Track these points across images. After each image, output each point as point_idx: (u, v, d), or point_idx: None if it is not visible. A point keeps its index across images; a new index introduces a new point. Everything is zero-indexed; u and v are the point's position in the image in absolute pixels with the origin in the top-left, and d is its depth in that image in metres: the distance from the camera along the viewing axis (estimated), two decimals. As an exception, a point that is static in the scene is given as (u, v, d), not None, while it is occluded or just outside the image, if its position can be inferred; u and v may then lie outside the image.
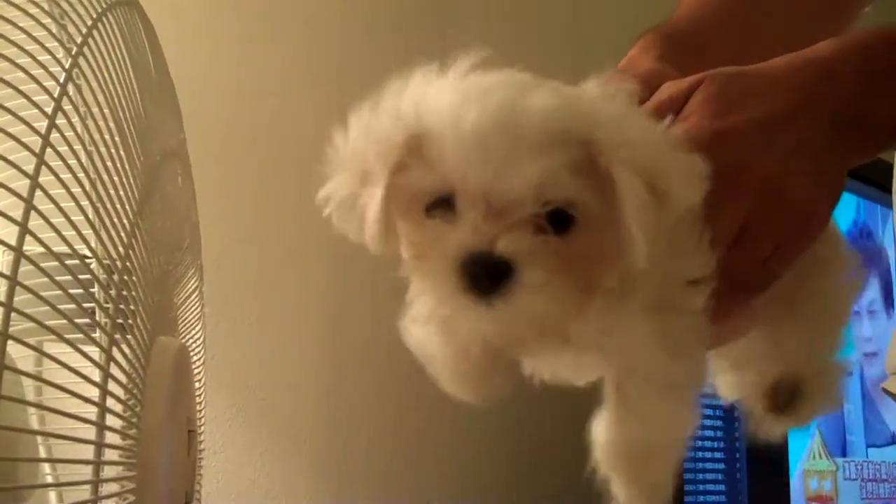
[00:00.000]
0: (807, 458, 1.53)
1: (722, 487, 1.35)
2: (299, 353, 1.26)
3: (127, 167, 0.54)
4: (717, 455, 1.35)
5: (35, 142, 0.46)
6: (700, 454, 1.32)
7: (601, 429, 0.43)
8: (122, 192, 0.54)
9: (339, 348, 1.29)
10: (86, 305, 0.53)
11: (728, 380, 0.54)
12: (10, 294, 0.44)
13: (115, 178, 0.53)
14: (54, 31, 0.52)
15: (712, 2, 0.60)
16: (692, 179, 0.39)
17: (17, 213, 0.46)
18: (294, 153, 1.23)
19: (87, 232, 0.51)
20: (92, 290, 0.54)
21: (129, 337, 0.56)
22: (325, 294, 1.30)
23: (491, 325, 0.40)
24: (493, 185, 0.36)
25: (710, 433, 1.34)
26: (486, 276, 0.36)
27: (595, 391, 0.44)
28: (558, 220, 0.38)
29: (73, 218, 0.49)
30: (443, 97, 0.38)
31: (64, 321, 0.50)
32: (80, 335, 0.54)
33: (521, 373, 0.46)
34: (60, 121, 0.48)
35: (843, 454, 1.60)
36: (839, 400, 0.54)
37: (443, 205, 0.38)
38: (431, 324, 0.42)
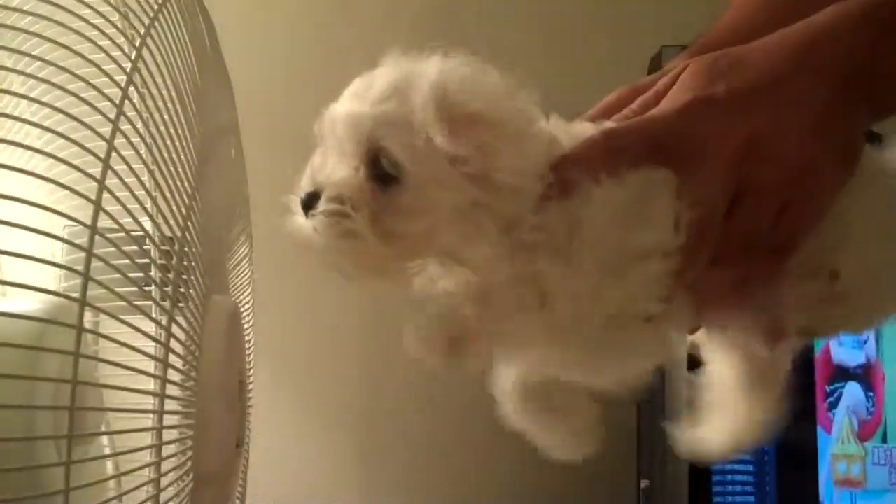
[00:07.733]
0: (836, 441, 1.55)
1: (749, 468, 1.37)
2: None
3: (188, 136, 0.60)
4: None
5: (105, 130, 0.51)
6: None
7: None
8: (183, 158, 0.59)
9: (380, 338, 1.33)
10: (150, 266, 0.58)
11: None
12: (87, 264, 0.49)
13: (178, 143, 0.58)
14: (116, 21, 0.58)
15: (754, 8, 0.57)
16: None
17: (84, 191, 0.50)
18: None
19: (149, 204, 0.56)
20: (156, 250, 0.60)
21: (189, 292, 0.62)
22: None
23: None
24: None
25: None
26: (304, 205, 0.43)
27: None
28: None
29: (135, 191, 0.54)
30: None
31: (133, 288, 0.56)
32: (147, 301, 0.59)
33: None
34: (128, 112, 0.52)
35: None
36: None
37: None
38: None
